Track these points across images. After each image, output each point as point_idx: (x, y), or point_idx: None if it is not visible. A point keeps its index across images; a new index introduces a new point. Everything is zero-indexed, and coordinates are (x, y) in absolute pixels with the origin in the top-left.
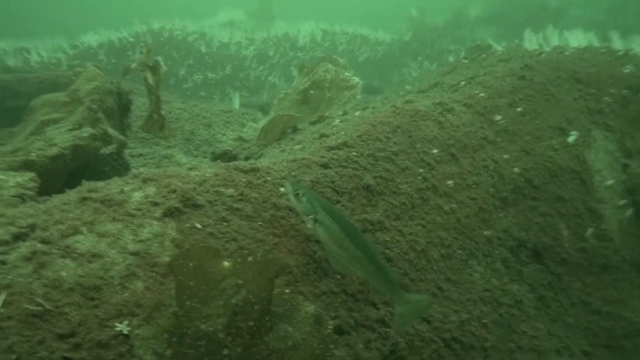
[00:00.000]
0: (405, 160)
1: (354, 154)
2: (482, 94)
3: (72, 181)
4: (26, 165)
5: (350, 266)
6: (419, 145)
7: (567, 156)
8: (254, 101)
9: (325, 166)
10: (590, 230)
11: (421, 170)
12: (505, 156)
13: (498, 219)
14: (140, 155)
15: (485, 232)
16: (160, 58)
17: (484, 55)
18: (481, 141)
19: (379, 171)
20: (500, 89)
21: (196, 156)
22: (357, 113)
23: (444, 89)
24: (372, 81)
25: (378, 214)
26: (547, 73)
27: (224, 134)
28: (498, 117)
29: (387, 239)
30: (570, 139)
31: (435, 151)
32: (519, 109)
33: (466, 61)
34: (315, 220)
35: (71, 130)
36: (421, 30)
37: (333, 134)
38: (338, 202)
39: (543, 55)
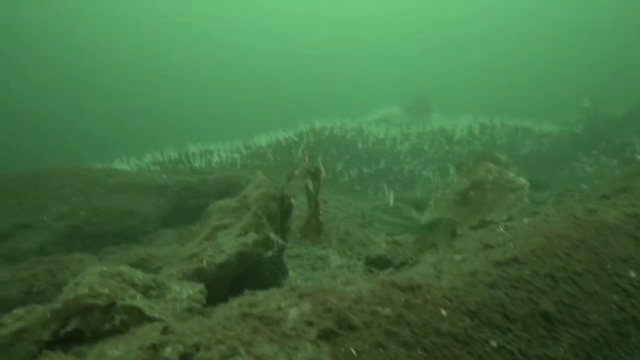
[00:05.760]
0: (593, 284)
1: (527, 272)
2: None
3: (236, 285)
4: (198, 273)
5: None
6: (609, 266)
7: None
8: (407, 196)
9: (492, 286)
10: None
11: (615, 297)
12: None
13: None
14: (297, 255)
15: None
16: (320, 162)
17: None
18: None
19: (559, 295)
20: None
21: (350, 257)
22: (525, 220)
23: (635, 195)
24: (537, 176)
25: (562, 350)
26: None
27: (378, 235)
28: None
29: None
30: None
31: (633, 274)
32: None
33: None
34: None
35: (238, 236)
36: (595, 122)
37: (499, 245)
38: (509, 330)
39: None
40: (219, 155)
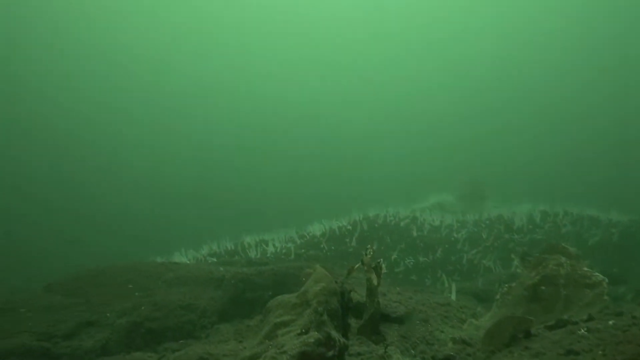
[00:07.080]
0: None
1: None
2: None
3: None
4: None
5: None
6: None
7: None
8: (467, 287)
9: None
10: None
11: None
12: None
13: None
14: (358, 354)
15: None
16: (375, 253)
17: None
18: None
19: None
20: None
21: (414, 356)
22: (610, 322)
23: None
24: (609, 268)
25: None
26: None
27: (442, 331)
28: None
29: None
30: None
31: None
32: None
33: None
34: None
35: (299, 334)
36: None
37: (585, 351)
38: None
39: None
40: (273, 245)
